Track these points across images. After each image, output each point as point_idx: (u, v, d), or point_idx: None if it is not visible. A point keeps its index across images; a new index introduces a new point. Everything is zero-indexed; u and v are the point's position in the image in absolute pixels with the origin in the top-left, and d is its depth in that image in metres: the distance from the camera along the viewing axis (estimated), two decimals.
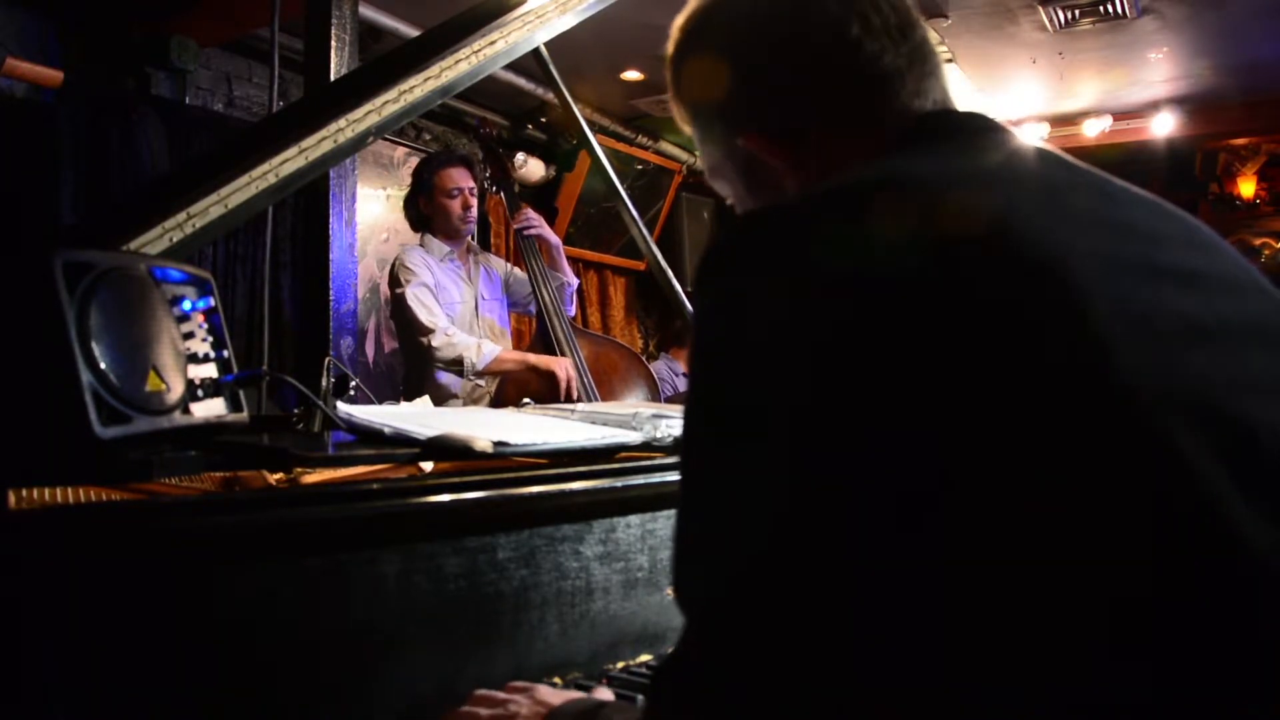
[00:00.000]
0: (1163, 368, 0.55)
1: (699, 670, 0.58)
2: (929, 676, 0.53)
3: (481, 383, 2.91)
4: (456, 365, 2.79)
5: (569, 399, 2.74)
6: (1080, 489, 0.52)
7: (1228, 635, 0.50)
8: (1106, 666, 0.50)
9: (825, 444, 0.55)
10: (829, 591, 0.54)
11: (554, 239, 3.07)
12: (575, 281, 3.15)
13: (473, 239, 3.11)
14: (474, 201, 2.97)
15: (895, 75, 0.75)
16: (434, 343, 2.76)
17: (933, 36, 0.80)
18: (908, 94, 0.75)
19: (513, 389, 2.80)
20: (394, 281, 2.88)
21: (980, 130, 0.73)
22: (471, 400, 2.95)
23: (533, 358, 2.84)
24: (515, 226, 3.02)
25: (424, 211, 3.00)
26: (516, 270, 3.21)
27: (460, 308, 2.96)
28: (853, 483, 0.54)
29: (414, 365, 2.97)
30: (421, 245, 3.00)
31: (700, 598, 0.60)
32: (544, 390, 2.75)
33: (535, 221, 3.01)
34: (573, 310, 3.13)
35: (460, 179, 2.94)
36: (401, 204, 3.15)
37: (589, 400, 2.80)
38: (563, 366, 2.79)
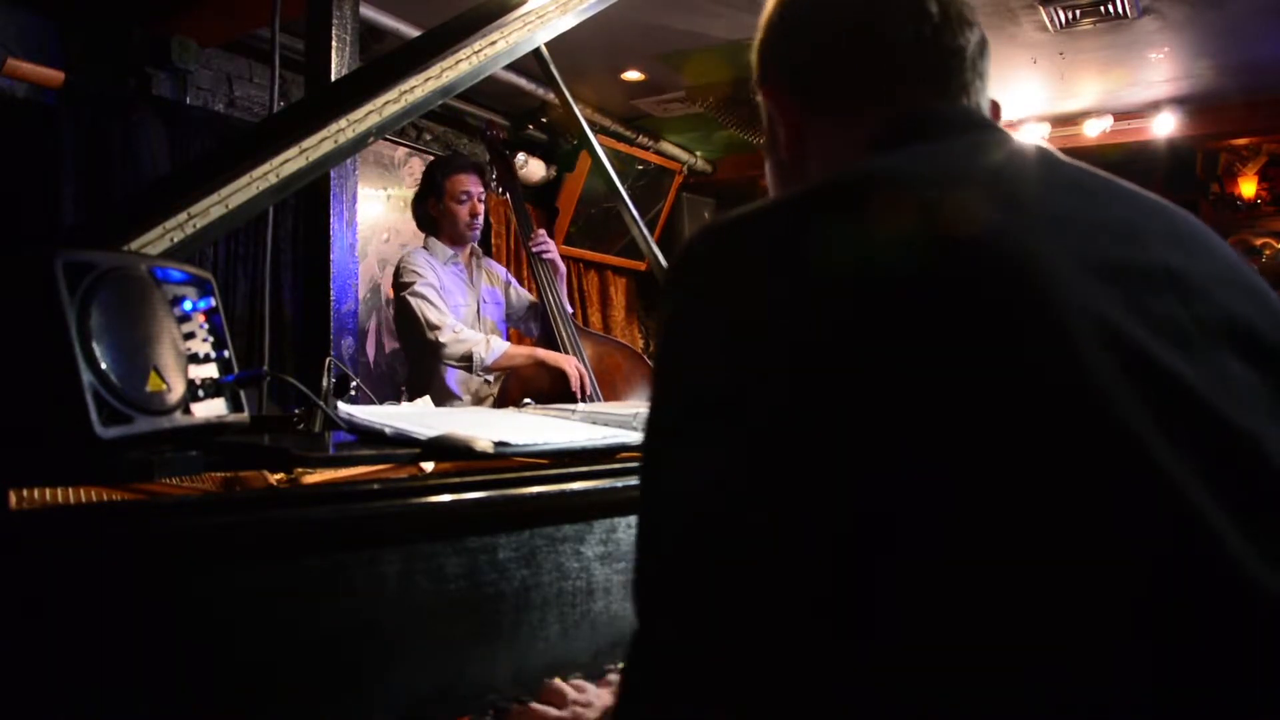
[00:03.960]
0: (1136, 375, 0.53)
1: (656, 665, 0.57)
2: (891, 692, 0.52)
3: (490, 379, 2.92)
4: (465, 361, 2.79)
5: (580, 394, 2.75)
6: (1050, 501, 0.51)
7: (1214, 645, 0.49)
8: (1086, 690, 0.49)
9: (792, 442, 0.53)
10: (798, 592, 0.52)
11: (562, 267, 3.16)
12: (570, 309, 3.21)
13: (476, 244, 3.15)
14: (481, 209, 3.02)
15: (909, 70, 0.75)
16: (442, 339, 2.77)
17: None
18: (920, 89, 0.75)
19: (516, 388, 2.81)
20: (398, 284, 2.89)
21: (967, 127, 0.73)
22: (476, 401, 2.96)
23: (542, 353, 2.85)
24: (533, 249, 3.09)
25: (431, 213, 3.03)
26: (515, 284, 3.26)
27: (464, 310, 2.98)
28: (822, 484, 0.52)
29: (418, 366, 2.98)
30: (425, 248, 3.03)
31: (654, 593, 0.58)
32: (550, 388, 2.76)
33: (550, 246, 3.12)
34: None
35: (470, 185, 2.98)
36: (409, 204, 3.20)
37: (596, 399, 2.80)
38: (572, 364, 2.81)
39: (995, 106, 0.81)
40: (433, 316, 2.80)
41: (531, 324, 3.17)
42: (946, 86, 0.76)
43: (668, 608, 0.56)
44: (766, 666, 0.52)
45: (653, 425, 0.62)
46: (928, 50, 0.75)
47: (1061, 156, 0.71)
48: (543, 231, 3.15)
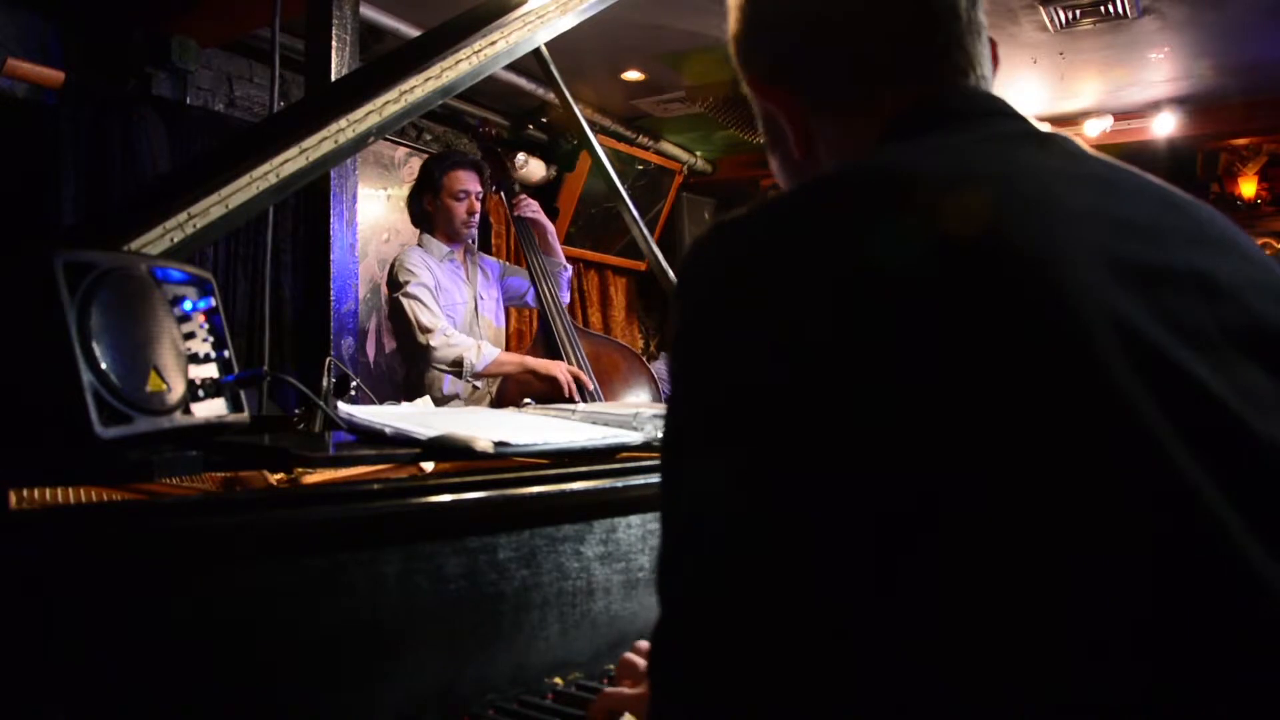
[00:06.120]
0: (1153, 378, 0.53)
1: (694, 669, 0.57)
2: (910, 696, 0.52)
3: (479, 385, 2.91)
4: (455, 367, 2.78)
5: (572, 400, 2.74)
6: (1062, 500, 0.51)
7: (1219, 647, 0.49)
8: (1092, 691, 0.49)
9: (806, 444, 0.54)
10: (817, 599, 0.53)
11: (548, 224, 3.15)
12: (569, 267, 3.20)
13: (472, 242, 3.12)
14: (478, 207, 2.99)
15: (909, 46, 0.72)
16: (433, 343, 2.76)
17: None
18: (924, 66, 0.72)
19: (515, 389, 2.81)
20: (393, 283, 2.87)
21: (984, 115, 0.70)
22: (472, 401, 2.95)
23: (531, 361, 2.84)
24: (515, 213, 3.08)
25: (427, 209, 2.99)
26: (511, 264, 3.28)
27: (461, 309, 2.97)
28: (836, 484, 0.53)
29: (414, 367, 2.97)
30: (421, 245, 3.00)
31: (683, 599, 0.58)
32: (546, 390, 2.75)
33: (532, 206, 3.11)
34: (567, 297, 3.17)
35: (468, 182, 2.95)
36: (405, 200, 3.16)
37: (595, 399, 2.80)
38: (562, 370, 2.80)
39: (992, 45, 0.77)
40: (425, 319, 2.78)
41: (530, 297, 3.15)
42: (951, 59, 0.72)
43: (705, 615, 0.56)
44: (801, 664, 0.53)
45: (673, 431, 0.61)
46: (922, 20, 0.72)
47: (1084, 148, 0.69)
48: (525, 196, 3.15)
